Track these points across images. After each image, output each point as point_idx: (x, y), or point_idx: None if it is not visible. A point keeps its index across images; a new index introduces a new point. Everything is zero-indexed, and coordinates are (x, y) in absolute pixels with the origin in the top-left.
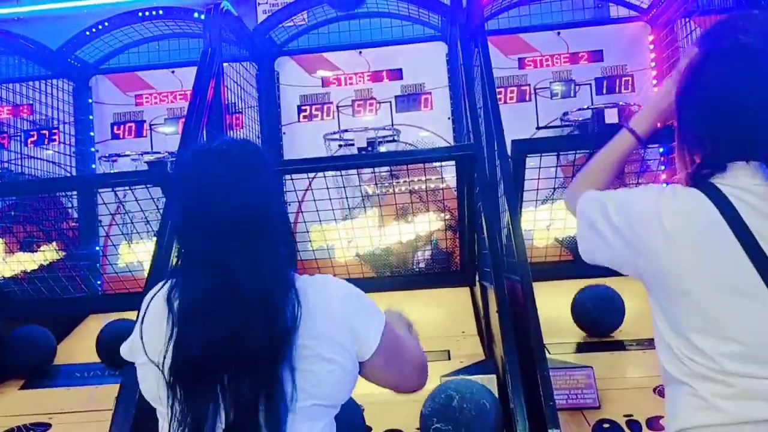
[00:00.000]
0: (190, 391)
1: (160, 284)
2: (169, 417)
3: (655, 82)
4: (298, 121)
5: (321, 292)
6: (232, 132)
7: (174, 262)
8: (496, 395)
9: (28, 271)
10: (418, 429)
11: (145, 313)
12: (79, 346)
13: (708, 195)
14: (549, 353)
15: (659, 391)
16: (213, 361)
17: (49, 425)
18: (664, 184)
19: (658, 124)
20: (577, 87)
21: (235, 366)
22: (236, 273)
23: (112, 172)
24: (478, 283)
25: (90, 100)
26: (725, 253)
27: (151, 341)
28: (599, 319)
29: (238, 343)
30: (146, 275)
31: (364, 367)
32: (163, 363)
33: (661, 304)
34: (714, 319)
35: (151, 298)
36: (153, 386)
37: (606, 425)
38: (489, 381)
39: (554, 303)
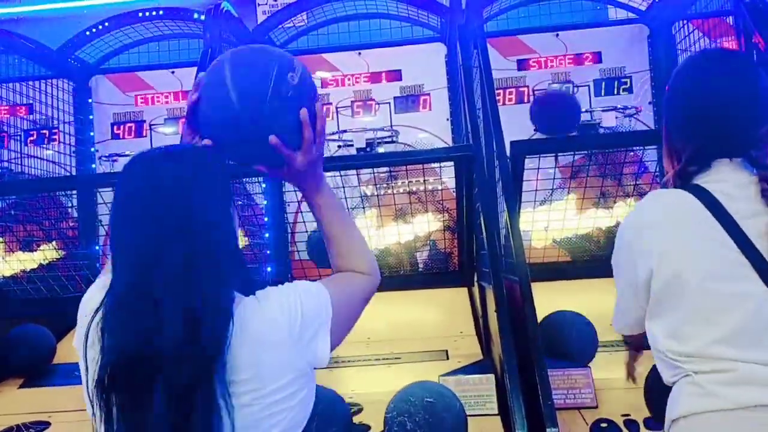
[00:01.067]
0: (110, 403)
1: (100, 280)
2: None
3: (653, 84)
4: None
5: (267, 303)
6: None
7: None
8: (494, 393)
9: (28, 270)
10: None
11: (79, 309)
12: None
13: (695, 194)
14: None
15: None
16: (129, 367)
17: (48, 424)
18: (642, 200)
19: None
20: (575, 89)
21: (147, 376)
22: (160, 268)
23: (112, 171)
24: (476, 284)
25: (90, 100)
26: (716, 246)
27: (80, 348)
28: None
29: (151, 348)
30: None
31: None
32: (86, 363)
33: (659, 296)
34: (711, 308)
35: (91, 294)
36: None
37: (603, 425)
38: (487, 380)
39: (551, 303)
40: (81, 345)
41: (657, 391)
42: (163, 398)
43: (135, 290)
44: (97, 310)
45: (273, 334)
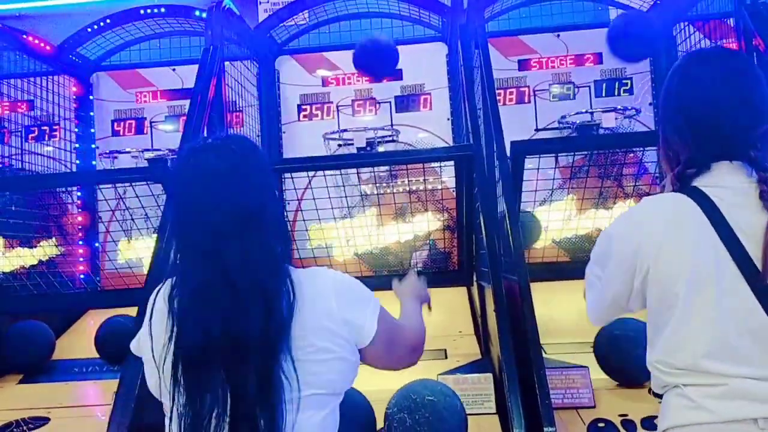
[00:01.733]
0: (191, 383)
1: (163, 282)
2: (170, 410)
3: (653, 85)
4: (298, 120)
5: (316, 285)
6: (232, 130)
7: (173, 259)
8: (492, 392)
9: (28, 266)
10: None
11: (151, 311)
12: (78, 342)
13: (694, 199)
14: (545, 353)
15: (654, 392)
16: (210, 352)
17: (47, 419)
18: (639, 204)
19: None
20: (576, 89)
21: (232, 356)
22: (230, 263)
23: (112, 168)
24: (475, 283)
25: (91, 97)
26: (711, 255)
27: (155, 338)
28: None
29: (233, 333)
30: (146, 272)
31: (363, 353)
32: (165, 358)
33: (653, 307)
34: (701, 320)
35: (155, 296)
36: (158, 382)
37: (601, 424)
38: (486, 380)
39: (551, 303)
40: (159, 337)
41: (605, 346)
42: (252, 374)
43: (210, 281)
44: (171, 305)
45: (322, 304)
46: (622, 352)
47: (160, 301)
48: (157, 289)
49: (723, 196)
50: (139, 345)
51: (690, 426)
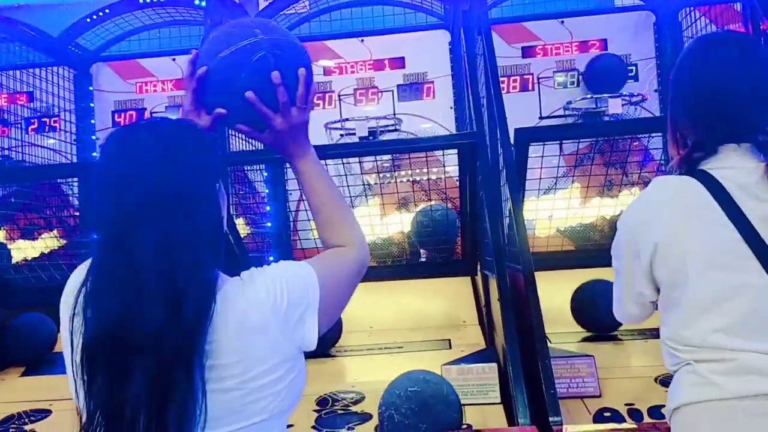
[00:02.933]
0: (91, 380)
1: (84, 262)
2: (80, 403)
3: (658, 71)
4: None
5: (247, 296)
6: None
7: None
8: (497, 382)
9: (29, 258)
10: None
11: (65, 296)
12: None
13: (701, 181)
14: (550, 342)
15: (661, 381)
16: (103, 347)
17: (49, 412)
18: (649, 187)
19: None
20: (581, 76)
21: (125, 356)
22: (138, 247)
23: None
24: (479, 273)
25: (90, 88)
26: (721, 235)
27: (63, 321)
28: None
29: (127, 326)
30: None
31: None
32: (70, 344)
33: (664, 293)
34: (714, 298)
35: (75, 277)
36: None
37: (607, 414)
38: (490, 369)
39: (555, 293)
40: (66, 324)
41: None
42: (142, 376)
43: (115, 267)
44: (80, 289)
45: (258, 316)
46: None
47: (69, 289)
48: (78, 269)
49: (730, 177)
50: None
51: (701, 403)
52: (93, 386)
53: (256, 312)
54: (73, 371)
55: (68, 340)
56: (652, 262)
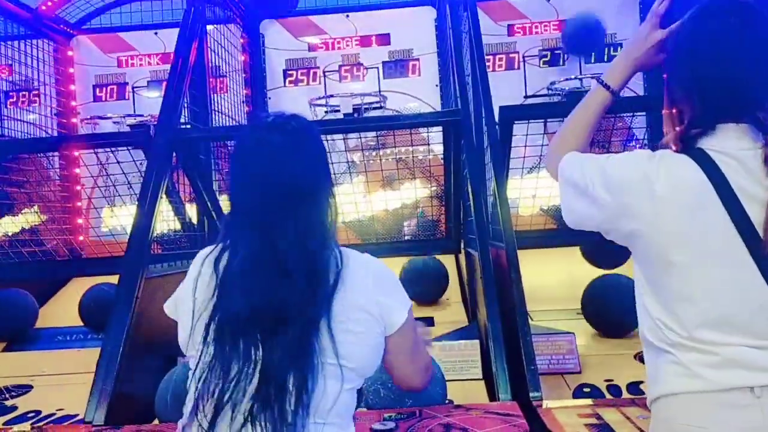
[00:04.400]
0: (225, 345)
1: (212, 246)
2: (196, 366)
3: None
4: (284, 85)
5: (360, 265)
6: (215, 95)
7: (223, 228)
8: (478, 358)
9: (9, 234)
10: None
11: (197, 274)
12: (62, 310)
13: (697, 160)
14: (532, 320)
15: (640, 357)
16: (251, 320)
17: (31, 387)
18: (649, 151)
19: (631, 74)
20: (566, 55)
21: (271, 326)
22: (281, 237)
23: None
24: (463, 251)
25: (71, 62)
26: (712, 220)
27: (198, 301)
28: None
29: (276, 304)
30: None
31: (387, 343)
32: (200, 319)
33: (646, 271)
34: (696, 288)
35: (202, 260)
36: (187, 339)
37: (586, 389)
38: (472, 346)
39: (538, 271)
40: (203, 298)
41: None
42: (289, 338)
43: (261, 252)
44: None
45: (362, 283)
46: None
47: (207, 266)
48: (203, 253)
49: (727, 160)
50: (175, 306)
51: (684, 394)
52: (230, 352)
53: (359, 280)
54: (203, 338)
55: (201, 312)
56: (632, 238)
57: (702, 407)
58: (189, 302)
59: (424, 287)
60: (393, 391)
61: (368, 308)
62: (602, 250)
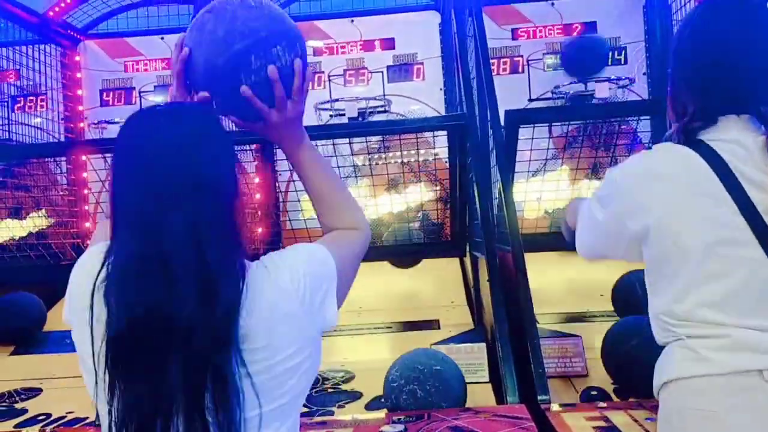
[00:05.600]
0: (123, 370)
1: (94, 246)
2: (105, 396)
3: (647, 54)
4: None
5: (276, 281)
6: None
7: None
8: (485, 361)
9: (17, 237)
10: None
11: (76, 281)
12: None
13: (697, 151)
14: (538, 323)
15: None
16: (139, 339)
17: (40, 390)
18: (647, 150)
19: None
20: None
21: (162, 344)
22: (167, 236)
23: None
24: (468, 254)
25: (78, 66)
26: (717, 207)
27: (79, 307)
28: None
29: (162, 315)
30: None
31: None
32: (92, 335)
33: (656, 259)
34: (703, 272)
35: (77, 270)
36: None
37: (594, 392)
38: (479, 349)
39: (543, 274)
40: (82, 314)
41: (614, 356)
42: (179, 366)
43: (143, 254)
44: (97, 278)
45: (285, 304)
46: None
47: (91, 263)
48: (80, 260)
49: (728, 147)
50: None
51: (693, 378)
52: (121, 383)
53: (283, 301)
54: (95, 365)
55: (86, 333)
56: (644, 232)
57: (711, 391)
58: (85, 343)
59: None
60: (430, 393)
61: (300, 329)
62: None
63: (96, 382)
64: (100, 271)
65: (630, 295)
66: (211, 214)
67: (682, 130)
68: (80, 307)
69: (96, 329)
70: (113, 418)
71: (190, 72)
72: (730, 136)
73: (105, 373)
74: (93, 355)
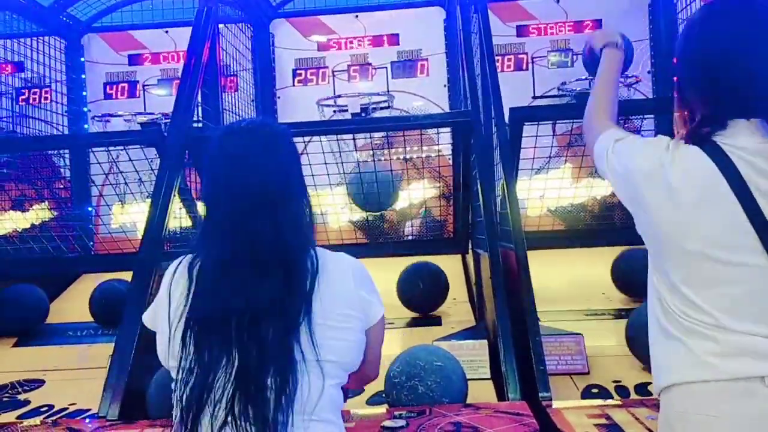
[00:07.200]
0: (202, 348)
1: (182, 257)
2: (177, 376)
3: (652, 53)
4: (293, 85)
5: (337, 264)
6: (226, 94)
7: (198, 235)
8: (487, 357)
9: (20, 230)
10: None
11: (170, 281)
12: (72, 306)
13: (709, 154)
14: (539, 320)
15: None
16: (227, 320)
17: (43, 382)
18: (667, 139)
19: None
20: (575, 56)
21: (249, 327)
22: (257, 239)
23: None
24: (470, 251)
25: (82, 59)
26: (724, 211)
27: (173, 305)
28: None
29: (253, 303)
30: (140, 236)
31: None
32: (178, 324)
33: (659, 259)
34: (711, 276)
35: (175, 267)
36: (167, 348)
37: (595, 390)
38: (480, 346)
39: (545, 271)
40: (179, 302)
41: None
42: (270, 338)
43: (236, 252)
44: (190, 270)
45: (342, 281)
46: None
47: (180, 270)
48: (176, 261)
49: (739, 152)
50: (154, 315)
51: (694, 383)
52: (207, 355)
53: (341, 278)
54: (181, 343)
55: (177, 319)
56: (646, 226)
57: (713, 396)
58: (165, 312)
59: None
60: (431, 389)
61: (351, 304)
62: None
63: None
64: (191, 270)
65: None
66: (290, 218)
67: (692, 135)
68: (177, 297)
69: (182, 315)
70: (184, 386)
71: None
72: (740, 141)
73: (184, 348)
74: (168, 320)
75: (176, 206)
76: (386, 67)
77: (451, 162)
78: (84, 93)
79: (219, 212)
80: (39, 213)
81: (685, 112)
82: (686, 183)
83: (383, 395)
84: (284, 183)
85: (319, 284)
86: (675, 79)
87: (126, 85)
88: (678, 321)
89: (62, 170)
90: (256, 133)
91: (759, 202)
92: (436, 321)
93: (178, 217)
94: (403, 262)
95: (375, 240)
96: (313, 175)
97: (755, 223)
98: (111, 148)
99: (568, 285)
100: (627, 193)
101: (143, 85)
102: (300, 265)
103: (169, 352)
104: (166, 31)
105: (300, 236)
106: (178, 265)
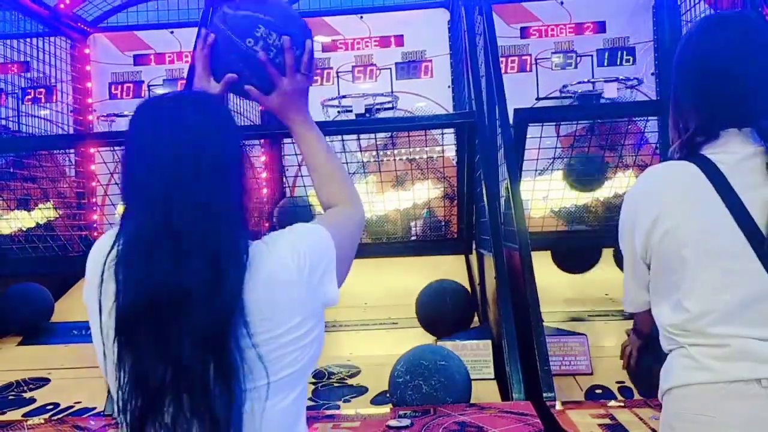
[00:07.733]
0: (132, 346)
1: (111, 230)
2: (115, 371)
3: (656, 55)
4: None
5: (274, 246)
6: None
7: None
8: (491, 358)
9: (26, 229)
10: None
11: (100, 283)
12: (77, 305)
13: (698, 165)
14: (543, 321)
15: None
16: (150, 309)
17: (48, 380)
18: (655, 165)
19: None
20: (578, 58)
21: (174, 315)
22: (177, 211)
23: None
24: (474, 251)
25: (88, 59)
26: (715, 218)
27: (104, 318)
28: None
29: (171, 287)
30: None
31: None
32: (100, 310)
33: (657, 275)
34: (704, 284)
35: (94, 249)
36: (105, 366)
37: (598, 391)
38: (484, 346)
39: (549, 272)
40: (94, 291)
41: (642, 368)
42: (188, 339)
43: (153, 231)
44: (108, 256)
45: (284, 274)
46: None
47: (97, 261)
48: (95, 242)
49: (728, 161)
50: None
51: (693, 385)
52: (131, 354)
53: (282, 272)
54: (102, 341)
55: (96, 308)
56: (647, 245)
57: (711, 398)
58: (96, 325)
59: None
60: (435, 388)
61: (301, 301)
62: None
63: (105, 358)
64: (111, 250)
65: None
66: (219, 196)
67: (685, 145)
68: (94, 284)
69: (104, 305)
70: (122, 394)
71: (213, 57)
72: (730, 148)
73: (114, 347)
74: (100, 330)
75: None
76: (390, 68)
77: (455, 163)
78: (89, 94)
79: (138, 181)
80: (44, 212)
81: (679, 121)
82: (678, 195)
83: (387, 395)
84: (218, 157)
85: (257, 286)
86: (671, 88)
87: (131, 85)
88: (677, 327)
89: (67, 169)
90: (184, 101)
91: (750, 211)
92: None
93: None
94: (405, 262)
95: (379, 240)
96: None
97: (747, 232)
98: (116, 147)
99: (572, 285)
100: (636, 232)
101: (148, 86)
102: (229, 248)
103: (106, 369)
104: (172, 32)
105: (231, 215)
106: (97, 253)
